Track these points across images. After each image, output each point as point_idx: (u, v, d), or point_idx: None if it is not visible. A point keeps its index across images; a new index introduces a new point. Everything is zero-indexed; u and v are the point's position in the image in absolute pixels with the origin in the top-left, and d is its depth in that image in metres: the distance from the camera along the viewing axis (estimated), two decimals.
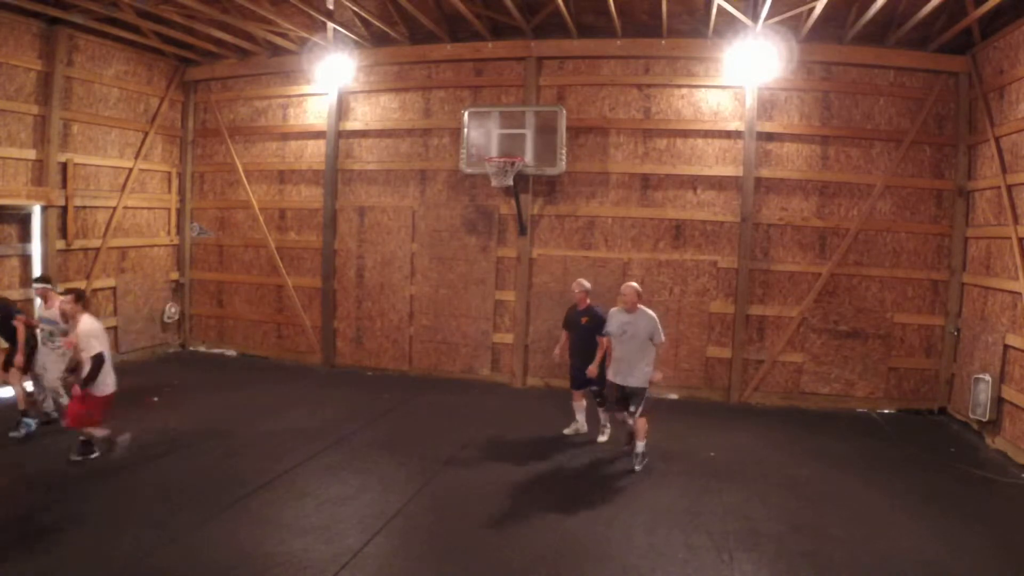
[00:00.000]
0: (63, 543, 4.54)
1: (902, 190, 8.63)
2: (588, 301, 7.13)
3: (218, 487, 5.56)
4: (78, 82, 9.05)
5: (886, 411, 8.65)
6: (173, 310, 10.91)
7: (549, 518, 5.26)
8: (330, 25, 9.13)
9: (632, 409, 6.25)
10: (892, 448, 7.26)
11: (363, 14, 8.70)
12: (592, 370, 6.79)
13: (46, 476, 5.67)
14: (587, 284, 7.23)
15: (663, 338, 6.42)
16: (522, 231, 9.39)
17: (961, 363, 8.22)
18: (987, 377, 7.34)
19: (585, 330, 7.02)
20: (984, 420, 7.38)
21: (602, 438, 7.12)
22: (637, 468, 6.22)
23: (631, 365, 6.27)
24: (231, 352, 10.93)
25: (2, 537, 4.55)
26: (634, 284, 6.55)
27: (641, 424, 6.26)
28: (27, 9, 8.02)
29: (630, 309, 6.36)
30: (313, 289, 10.42)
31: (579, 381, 7.11)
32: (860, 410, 8.67)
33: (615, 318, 6.42)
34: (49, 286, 6.93)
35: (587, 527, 5.11)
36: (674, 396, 9.10)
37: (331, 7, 8.82)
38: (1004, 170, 7.44)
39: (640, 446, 6.29)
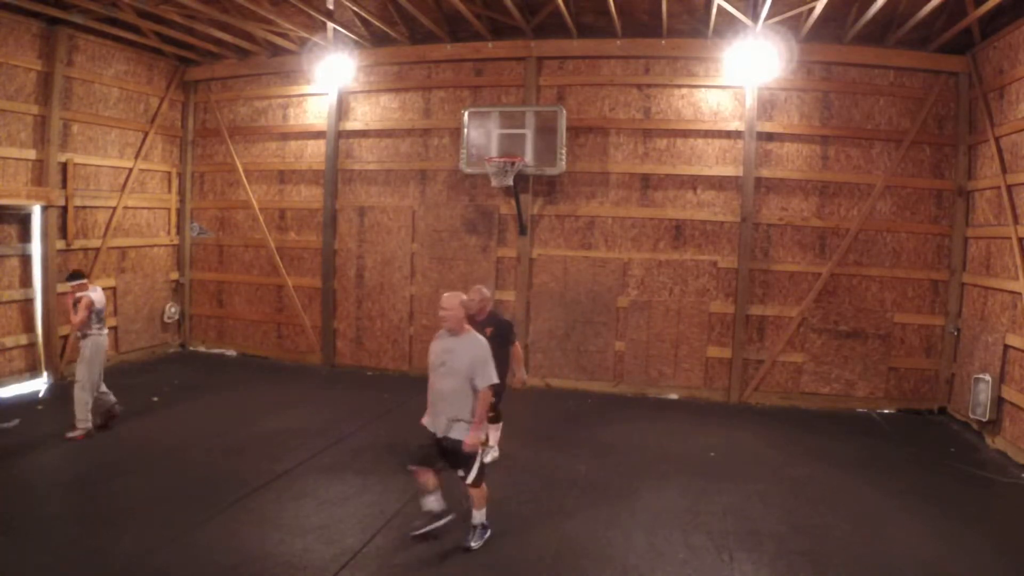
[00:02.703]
0: (63, 543, 4.54)
1: (902, 190, 8.63)
2: (489, 309, 6.34)
3: (218, 487, 5.56)
4: (78, 82, 9.04)
5: (886, 411, 8.65)
6: (173, 310, 10.91)
7: (549, 518, 5.26)
8: (330, 25, 9.13)
9: (461, 474, 4.65)
10: (892, 448, 7.26)
11: (363, 14, 8.70)
12: (518, 379, 6.34)
13: (46, 476, 5.68)
14: (486, 291, 6.37)
15: (492, 380, 4.60)
16: (522, 231, 9.39)
17: (961, 363, 8.22)
18: (987, 377, 7.34)
19: (492, 342, 5.78)
20: (984, 420, 7.38)
21: (492, 455, 6.34)
22: (473, 545, 4.67)
23: (451, 409, 4.57)
24: (231, 352, 10.93)
25: (2, 537, 4.55)
26: (461, 294, 4.88)
27: (478, 493, 4.71)
28: (27, 9, 8.02)
29: (453, 330, 4.68)
30: (313, 289, 10.42)
31: None
32: (860, 410, 8.67)
33: (435, 343, 4.80)
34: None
35: (587, 527, 5.11)
36: (674, 396, 9.10)
37: (331, 7, 8.82)
38: (1004, 170, 7.44)
39: (478, 516, 4.76)
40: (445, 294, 4.77)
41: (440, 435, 4.60)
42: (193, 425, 7.21)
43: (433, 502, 4.68)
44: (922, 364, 8.67)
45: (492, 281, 9.61)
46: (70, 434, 6.53)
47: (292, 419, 7.56)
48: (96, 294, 6.80)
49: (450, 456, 4.62)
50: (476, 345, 4.61)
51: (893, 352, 8.68)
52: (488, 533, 4.80)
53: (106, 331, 6.92)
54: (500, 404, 6.23)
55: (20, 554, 4.36)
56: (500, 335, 6.08)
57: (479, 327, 6.10)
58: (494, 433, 6.41)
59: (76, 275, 6.87)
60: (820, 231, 8.80)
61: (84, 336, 6.70)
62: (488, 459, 6.18)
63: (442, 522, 4.69)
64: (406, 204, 9.94)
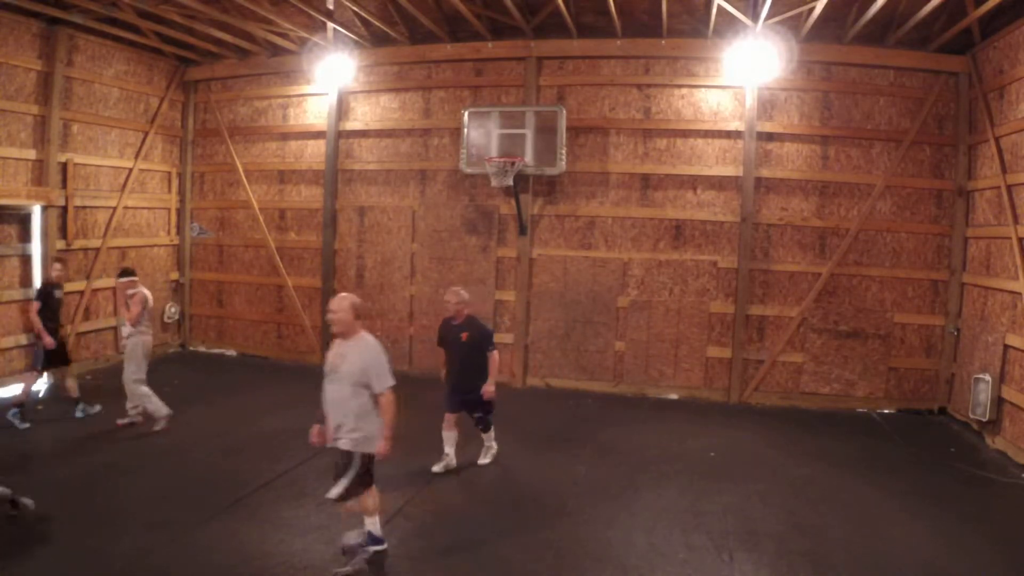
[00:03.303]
0: (63, 543, 4.54)
1: (902, 190, 8.63)
2: (466, 313, 6.12)
3: (218, 487, 5.56)
4: (78, 82, 9.04)
5: (886, 411, 8.65)
6: (173, 310, 10.91)
7: (549, 518, 5.26)
8: (330, 25, 9.13)
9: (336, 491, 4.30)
10: (892, 448, 7.26)
11: (363, 14, 8.70)
12: (488, 390, 6.01)
13: (46, 476, 5.68)
14: (464, 294, 6.13)
15: (389, 383, 4.25)
16: (522, 231, 9.39)
17: (961, 363, 8.22)
18: (987, 377, 7.34)
19: (467, 347, 6.00)
20: (984, 420, 7.38)
21: (484, 460, 6.35)
22: (348, 571, 4.26)
23: (342, 418, 4.28)
24: (231, 352, 10.93)
25: (2, 536, 4.55)
26: (353, 297, 4.50)
27: (365, 502, 4.36)
28: (27, 9, 8.01)
29: (344, 334, 4.40)
30: (313, 289, 10.42)
31: (455, 402, 6.15)
32: (860, 410, 8.67)
33: (330, 350, 4.53)
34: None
35: (587, 527, 5.11)
36: (674, 396, 9.10)
37: (331, 7, 8.82)
38: (1004, 170, 7.44)
39: (371, 523, 4.36)
40: (337, 295, 4.50)
41: (330, 444, 4.36)
42: (193, 425, 7.20)
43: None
44: (922, 364, 8.66)
45: (492, 281, 9.62)
46: (121, 420, 7.00)
47: (292, 419, 7.53)
48: (146, 291, 7.15)
49: (344, 464, 4.33)
50: (367, 348, 4.30)
51: (893, 352, 8.68)
52: (384, 549, 4.37)
53: (151, 330, 7.29)
54: (489, 417, 6.26)
55: (20, 554, 4.35)
56: (476, 341, 5.99)
57: (454, 331, 6.08)
58: (488, 438, 6.40)
59: (127, 272, 7.24)
60: (820, 231, 8.80)
61: (130, 335, 6.99)
62: (488, 459, 6.37)
63: (367, 553, 4.31)
64: (406, 204, 9.94)
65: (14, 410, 6.96)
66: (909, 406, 8.66)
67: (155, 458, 6.17)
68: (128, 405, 7.03)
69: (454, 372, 6.14)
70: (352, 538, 4.39)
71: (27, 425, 6.90)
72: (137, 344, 6.95)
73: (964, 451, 7.21)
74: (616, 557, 4.66)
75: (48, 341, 7.06)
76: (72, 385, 7.39)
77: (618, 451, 6.87)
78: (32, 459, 6.08)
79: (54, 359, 7.25)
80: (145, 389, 6.95)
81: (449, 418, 6.18)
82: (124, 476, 5.74)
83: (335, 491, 4.29)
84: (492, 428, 6.35)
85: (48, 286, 7.42)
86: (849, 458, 6.83)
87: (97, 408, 7.40)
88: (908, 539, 5.05)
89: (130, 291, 7.03)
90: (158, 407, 6.95)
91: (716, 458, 6.75)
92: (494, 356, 6.07)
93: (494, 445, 6.43)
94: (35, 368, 7.28)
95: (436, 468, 6.15)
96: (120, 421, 7.03)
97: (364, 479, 4.31)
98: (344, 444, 4.30)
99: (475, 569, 4.48)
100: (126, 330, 7.05)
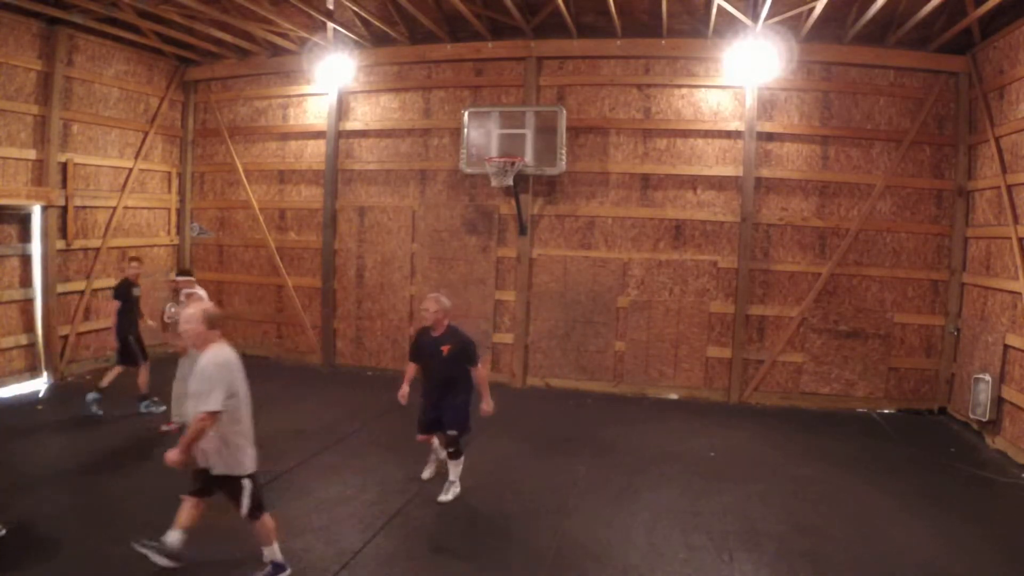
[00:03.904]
0: (62, 543, 4.53)
1: (902, 190, 8.63)
2: (447, 323, 5.45)
3: None
4: (78, 82, 9.04)
5: (886, 411, 8.65)
6: (173, 310, 10.88)
7: (549, 518, 5.26)
8: (330, 25, 9.13)
9: (243, 512, 4.06)
10: (892, 448, 7.26)
11: (363, 14, 8.70)
12: (488, 409, 5.44)
13: (46, 476, 5.67)
14: (445, 300, 5.47)
15: (207, 407, 3.78)
16: (522, 231, 9.39)
17: (961, 363, 8.22)
18: (987, 377, 7.34)
19: (449, 362, 5.36)
20: (984, 420, 7.38)
21: (445, 497, 5.48)
22: None
23: (207, 441, 3.92)
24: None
25: (3, 536, 4.54)
26: (206, 307, 4.29)
27: (258, 527, 4.13)
28: (27, 9, 8.01)
29: (195, 347, 4.18)
30: (313, 289, 10.42)
31: (427, 423, 5.55)
32: (860, 410, 8.67)
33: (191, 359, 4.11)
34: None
35: (587, 527, 5.11)
36: (674, 396, 9.10)
37: (331, 7, 8.82)
38: (1004, 170, 7.44)
39: (267, 553, 4.18)
40: (189, 305, 4.20)
41: (204, 466, 4.03)
42: None
43: (175, 537, 4.10)
44: (922, 364, 8.66)
45: (492, 281, 9.62)
46: (165, 428, 6.99)
47: (292, 419, 7.56)
48: (203, 292, 7.39)
49: (217, 487, 4.08)
50: (204, 363, 3.95)
51: (893, 352, 8.68)
52: (285, 573, 4.19)
53: None
54: (461, 440, 5.53)
55: (20, 554, 4.35)
56: (459, 355, 5.38)
57: (434, 344, 5.37)
58: (454, 469, 5.58)
59: (185, 272, 7.67)
60: (820, 231, 8.80)
61: None
62: (450, 496, 5.48)
63: (166, 562, 4.07)
64: (406, 204, 9.94)
65: (145, 402, 7.45)
66: (909, 406, 8.66)
67: (155, 458, 6.15)
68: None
69: (431, 389, 5.48)
70: (172, 537, 4.12)
71: (100, 413, 7.26)
72: None
73: (964, 451, 7.21)
74: (616, 557, 4.66)
75: (113, 344, 7.45)
76: (144, 381, 7.53)
77: (618, 451, 6.87)
78: (32, 459, 6.07)
79: (129, 356, 7.46)
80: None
81: (421, 439, 5.72)
82: (124, 476, 5.73)
83: (243, 507, 4.05)
84: (462, 459, 5.57)
85: (127, 284, 7.66)
86: (849, 458, 6.83)
87: (163, 408, 7.40)
88: (908, 539, 5.05)
89: (187, 291, 7.23)
90: (184, 410, 7.01)
91: (716, 458, 6.75)
92: (481, 373, 5.48)
93: (458, 483, 5.55)
94: (140, 362, 7.53)
95: (426, 474, 5.89)
96: (163, 428, 6.99)
97: (254, 498, 4.06)
98: (221, 467, 3.99)
99: (475, 569, 4.48)
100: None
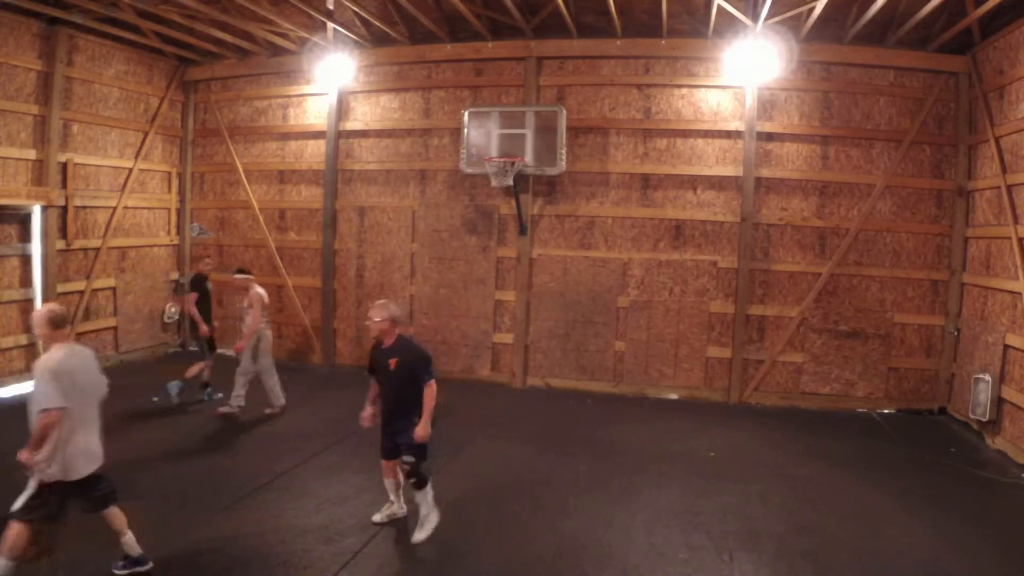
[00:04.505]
0: (62, 542, 4.52)
1: (902, 190, 8.63)
2: (396, 333, 4.86)
3: (218, 487, 5.56)
4: (78, 82, 9.04)
5: (886, 411, 8.65)
6: (173, 310, 10.91)
7: (549, 518, 5.26)
8: (330, 25, 9.13)
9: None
10: (892, 448, 7.26)
11: (363, 14, 8.70)
12: (421, 433, 4.67)
13: None
14: (394, 309, 4.90)
15: (40, 405, 3.73)
16: (522, 231, 9.39)
17: (961, 363, 8.22)
18: (987, 377, 7.34)
19: (397, 377, 4.75)
20: (984, 420, 7.38)
21: (419, 536, 4.80)
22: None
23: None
24: (231, 352, 10.88)
25: None
26: (53, 306, 4.06)
27: (10, 537, 3.77)
28: (27, 9, 8.02)
29: (44, 343, 4.05)
30: (313, 289, 10.42)
31: (389, 449, 4.90)
32: (860, 410, 8.67)
33: None
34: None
35: (587, 527, 5.11)
36: (674, 396, 9.10)
37: (331, 7, 8.82)
38: (1004, 170, 7.44)
39: (127, 543, 4.08)
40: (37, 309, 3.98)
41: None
42: (193, 425, 7.20)
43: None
44: (922, 364, 8.66)
45: (492, 281, 9.62)
46: (268, 411, 7.67)
47: (292, 419, 7.56)
48: (262, 290, 7.73)
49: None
50: (38, 364, 3.84)
51: (893, 352, 8.68)
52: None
53: (269, 325, 7.91)
54: (421, 466, 4.80)
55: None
56: (409, 369, 4.73)
57: (383, 357, 4.81)
58: (424, 501, 4.86)
59: (243, 270, 7.89)
60: (820, 231, 8.80)
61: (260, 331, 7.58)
62: (424, 534, 4.80)
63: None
64: (406, 204, 9.94)
65: (179, 384, 7.96)
66: (909, 406, 8.66)
67: (154, 458, 6.17)
68: (233, 394, 7.59)
69: (385, 409, 4.91)
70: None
71: (177, 401, 7.86)
72: (267, 338, 7.67)
73: (964, 451, 7.21)
74: (616, 557, 4.66)
75: (205, 329, 8.03)
76: (207, 372, 8.19)
77: (618, 451, 6.87)
78: None
79: (210, 345, 8.14)
80: (272, 381, 7.70)
81: (386, 466, 4.99)
82: (124, 476, 5.72)
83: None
84: (429, 486, 4.85)
85: (201, 277, 8.27)
86: (849, 458, 6.82)
87: (220, 395, 7.98)
88: (908, 539, 5.05)
89: (256, 289, 7.63)
90: (277, 395, 7.71)
91: (716, 458, 6.75)
92: (430, 389, 4.72)
93: (434, 515, 4.87)
94: (205, 359, 8.21)
95: (377, 517, 5.04)
96: (221, 410, 7.59)
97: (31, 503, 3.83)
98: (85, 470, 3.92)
99: (475, 569, 4.48)
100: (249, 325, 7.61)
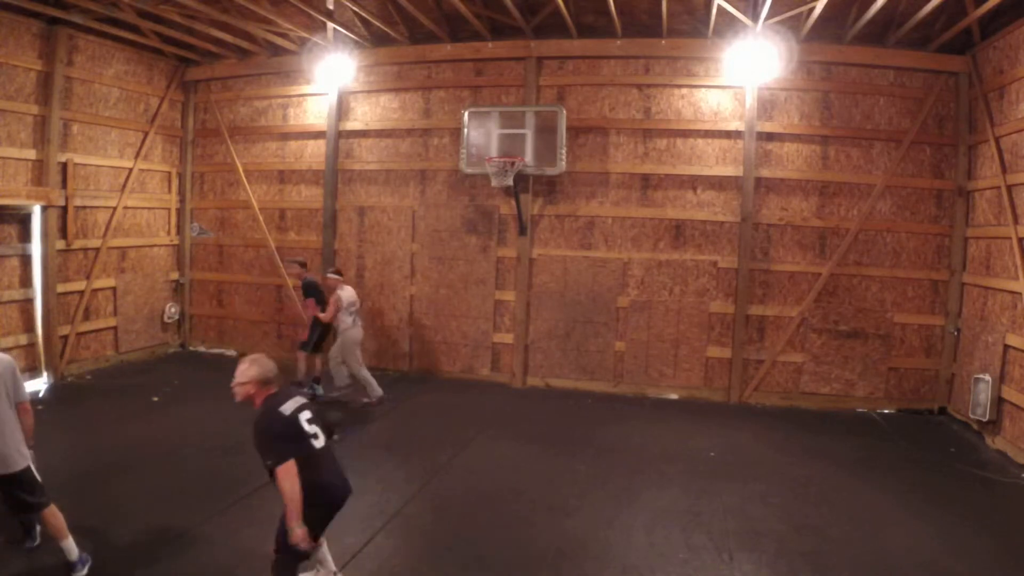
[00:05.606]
0: (58, 545, 4.53)
1: (902, 190, 8.63)
2: (264, 395, 3.90)
3: (218, 487, 5.56)
4: (78, 82, 9.04)
5: (886, 411, 8.65)
6: (173, 310, 10.91)
7: (549, 518, 5.26)
8: (330, 25, 9.13)
9: None
10: (892, 448, 7.26)
11: (363, 14, 8.70)
12: (293, 538, 3.52)
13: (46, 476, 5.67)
14: (264, 365, 3.89)
15: None
16: (522, 231, 9.39)
17: (961, 363, 8.22)
18: (987, 377, 7.34)
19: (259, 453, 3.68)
20: (984, 420, 7.38)
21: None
22: None
23: None
24: (231, 352, 10.92)
25: (2, 537, 4.54)
26: None
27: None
28: (27, 9, 8.02)
29: None
30: None
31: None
32: (860, 410, 8.67)
33: None
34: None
35: (587, 527, 5.11)
36: (674, 396, 9.10)
37: (331, 7, 8.82)
38: (1004, 170, 7.44)
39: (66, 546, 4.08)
40: None
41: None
42: (193, 425, 7.20)
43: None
44: (922, 364, 8.66)
45: (492, 281, 9.62)
46: (365, 400, 8.17)
47: None
48: (345, 292, 8.14)
49: None
50: None
51: (893, 352, 8.68)
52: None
53: (359, 324, 8.31)
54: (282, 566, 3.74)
55: (19, 554, 4.35)
56: (257, 445, 3.76)
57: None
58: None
59: (338, 271, 8.49)
60: (820, 231, 8.80)
61: (345, 329, 8.08)
62: None
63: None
64: (406, 204, 9.95)
65: (314, 385, 8.55)
66: (909, 406, 8.66)
67: (155, 458, 6.17)
68: (336, 385, 8.22)
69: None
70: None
71: (321, 392, 8.44)
72: (346, 338, 8.10)
73: (964, 451, 7.21)
74: (616, 557, 4.66)
75: (304, 334, 8.67)
76: (318, 365, 8.79)
77: (618, 451, 6.87)
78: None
79: (307, 343, 8.59)
80: (365, 374, 8.17)
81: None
82: (124, 475, 5.73)
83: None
84: None
85: (315, 283, 8.67)
86: (849, 458, 6.82)
87: (321, 390, 8.53)
88: (908, 539, 5.05)
89: (346, 291, 8.13)
90: (375, 389, 8.13)
91: (716, 458, 6.75)
92: (282, 485, 3.53)
93: None
94: (314, 354, 8.74)
95: None
96: (363, 400, 8.14)
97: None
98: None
99: (475, 569, 4.48)
100: (345, 322, 8.09)
